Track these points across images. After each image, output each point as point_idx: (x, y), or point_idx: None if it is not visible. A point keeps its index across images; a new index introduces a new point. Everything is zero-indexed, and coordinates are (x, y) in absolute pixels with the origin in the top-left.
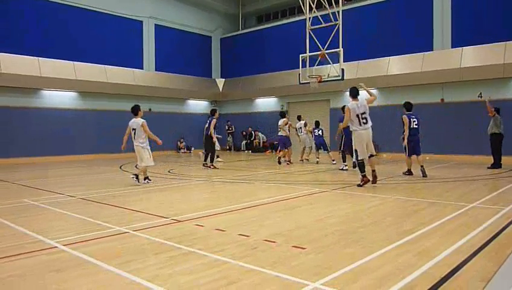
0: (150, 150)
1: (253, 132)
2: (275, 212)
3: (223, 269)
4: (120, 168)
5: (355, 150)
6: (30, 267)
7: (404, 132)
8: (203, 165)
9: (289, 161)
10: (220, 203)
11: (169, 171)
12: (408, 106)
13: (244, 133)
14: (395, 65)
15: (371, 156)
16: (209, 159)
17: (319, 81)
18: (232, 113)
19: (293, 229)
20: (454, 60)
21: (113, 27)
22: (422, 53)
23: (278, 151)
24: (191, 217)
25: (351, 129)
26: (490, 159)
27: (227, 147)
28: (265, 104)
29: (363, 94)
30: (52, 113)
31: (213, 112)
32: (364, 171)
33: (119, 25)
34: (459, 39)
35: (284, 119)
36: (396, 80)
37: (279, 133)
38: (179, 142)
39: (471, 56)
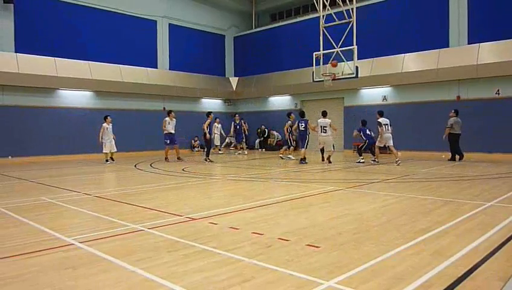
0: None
1: (266, 130)
2: (289, 211)
3: (237, 267)
4: (135, 166)
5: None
6: (47, 264)
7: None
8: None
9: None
10: (234, 201)
11: (183, 170)
12: (301, 114)
13: (258, 130)
14: (410, 62)
15: None
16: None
17: (333, 79)
18: (246, 111)
19: (307, 227)
20: (471, 57)
21: (128, 27)
22: (438, 50)
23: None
24: (205, 215)
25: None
26: (509, 157)
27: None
28: (279, 102)
29: None
30: (68, 112)
31: (208, 114)
32: None
33: (134, 24)
34: (476, 35)
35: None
36: (412, 77)
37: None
38: (193, 141)
39: (488, 52)
